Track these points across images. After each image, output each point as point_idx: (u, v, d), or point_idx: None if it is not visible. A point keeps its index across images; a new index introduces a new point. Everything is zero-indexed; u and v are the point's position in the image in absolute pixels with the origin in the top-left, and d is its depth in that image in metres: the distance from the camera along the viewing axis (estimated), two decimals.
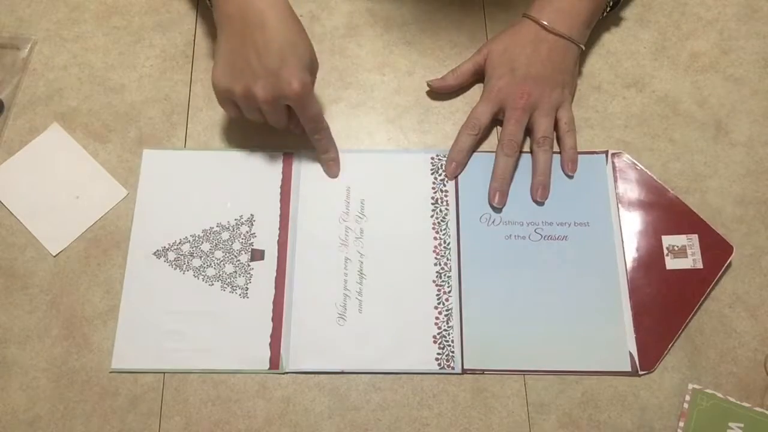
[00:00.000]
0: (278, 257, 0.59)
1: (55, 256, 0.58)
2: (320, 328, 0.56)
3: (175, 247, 0.59)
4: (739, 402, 0.54)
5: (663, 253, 0.58)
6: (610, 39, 0.67)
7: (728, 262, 0.58)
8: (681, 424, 0.53)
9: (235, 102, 0.56)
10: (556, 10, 0.61)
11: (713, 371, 0.56)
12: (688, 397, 0.54)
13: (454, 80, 0.64)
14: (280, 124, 0.58)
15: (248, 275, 0.58)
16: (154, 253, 0.58)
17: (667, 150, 0.63)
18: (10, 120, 0.63)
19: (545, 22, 0.61)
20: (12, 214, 0.60)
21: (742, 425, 0.53)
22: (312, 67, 0.55)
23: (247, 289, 0.58)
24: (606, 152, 0.62)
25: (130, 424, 0.54)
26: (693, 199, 0.61)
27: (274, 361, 0.55)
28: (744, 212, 0.61)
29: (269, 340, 0.56)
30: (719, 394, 0.54)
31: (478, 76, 0.64)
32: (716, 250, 0.58)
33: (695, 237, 0.59)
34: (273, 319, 0.57)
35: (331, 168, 0.61)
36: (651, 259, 0.58)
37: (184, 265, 0.58)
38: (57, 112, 0.63)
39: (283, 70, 0.53)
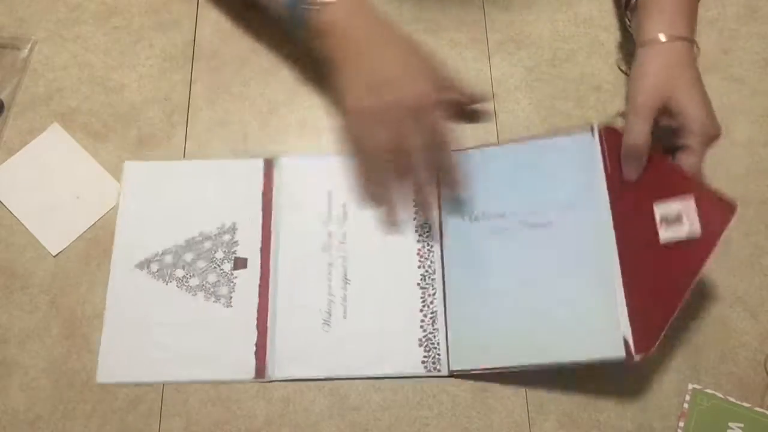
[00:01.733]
0: (261, 265, 0.58)
1: (55, 256, 0.58)
2: (305, 334, 0.56)
3: (158, 258, 0.58)
4: (739, 402, 0.54)
5: (656, 224, 0.54)
6: (610, 39, 0.67)
7: (731, 223, 0.51)
8: (681, 424, 0.53)
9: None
10: (685, 18, 0.57)
11: (713, 371, 0.55)
12: (688, 397, 0.54)
13: (639, 159, 0.56)
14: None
15: (231, 284, 0.57)
16: (137, 265, 0.58)
17: None
18: (10, 120, 0.63)
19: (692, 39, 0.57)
20: (12, 214, 0.60)
21: (742, 425, 0.53)
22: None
23: (230, 298, 0.57)
24: (591, 126, 0.58)
25: (130, 424, 0.54)
26: None
27: (260, 370, 0.55)
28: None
29: (254, 349, 0.55)
30: (719, 394, 0.54)
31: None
32: (715, 211, 0.51)
33: (691, 199, 0.53)
34: (258, 327, 0.56)
35: None
36: (643, 233, 0.54)
37: (167, 276, 0.58)
38: (57, 112, 0.63)
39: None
